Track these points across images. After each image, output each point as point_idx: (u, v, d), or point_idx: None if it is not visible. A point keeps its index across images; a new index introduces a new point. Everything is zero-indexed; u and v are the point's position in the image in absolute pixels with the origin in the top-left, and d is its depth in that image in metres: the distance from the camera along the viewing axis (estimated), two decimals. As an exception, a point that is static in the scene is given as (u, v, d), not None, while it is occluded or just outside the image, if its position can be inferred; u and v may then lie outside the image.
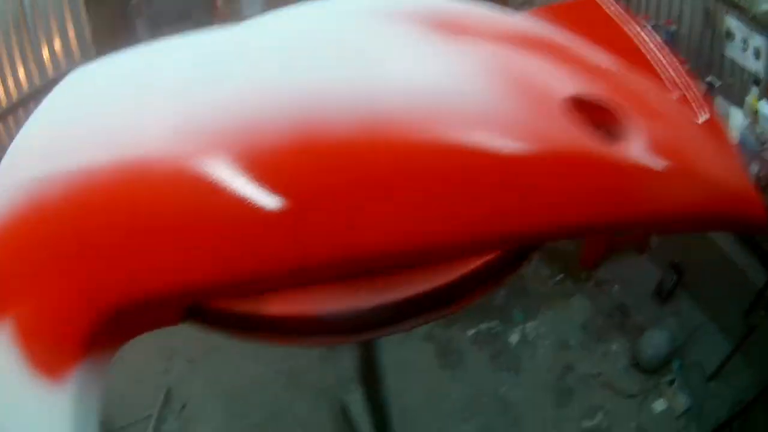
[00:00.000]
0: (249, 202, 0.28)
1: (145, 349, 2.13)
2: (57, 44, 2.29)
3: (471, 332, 1.98)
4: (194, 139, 0.32)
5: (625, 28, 0.47)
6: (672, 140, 0.32)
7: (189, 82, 0.38)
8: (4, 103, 2.28)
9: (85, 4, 2.23)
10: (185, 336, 2.16)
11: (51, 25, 2.27)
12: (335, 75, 0.32)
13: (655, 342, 1.98)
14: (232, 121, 0.32)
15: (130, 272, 0.28)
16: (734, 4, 2.25)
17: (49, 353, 0.27)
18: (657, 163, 0.29)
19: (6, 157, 0.39)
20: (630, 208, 0.30)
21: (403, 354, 1.82)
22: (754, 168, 1.70)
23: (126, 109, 0.38)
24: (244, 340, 0.33)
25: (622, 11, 0.50)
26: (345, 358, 1.91)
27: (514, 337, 1.98)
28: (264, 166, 0.29)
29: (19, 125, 1.92)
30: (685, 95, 0.40)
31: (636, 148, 0.29)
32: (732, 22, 2.08)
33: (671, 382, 1.92)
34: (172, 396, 2.04)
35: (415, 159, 0.29)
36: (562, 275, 2.15)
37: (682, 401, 1.89)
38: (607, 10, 0.50)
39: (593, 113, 0.30)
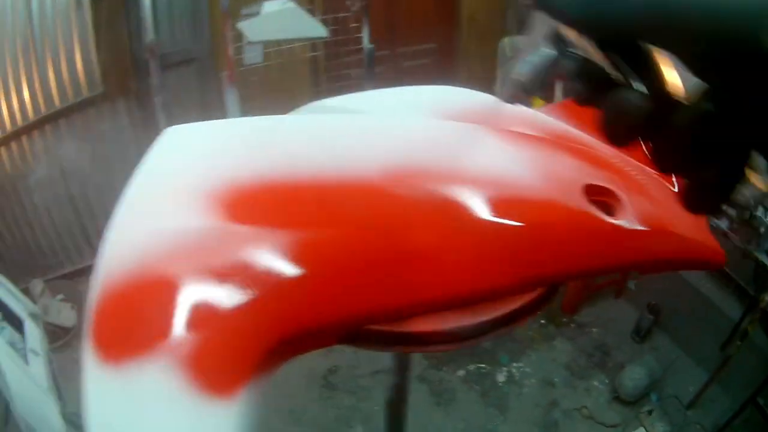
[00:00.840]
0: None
1: None
2: (64, 71, 2.30)
3: (461, 373, 2.15)
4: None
5: None
6: (652, 211, 0.46)
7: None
8: (8, 128, 2.29)
9: (95, 34, 2.26)
10: None
11: (59, 51, 2.28)
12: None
13: (634, 375, 2.14)
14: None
15: (304, 308, 0.35)
16: None
17: (219, 374, 0.32)
18: (641, 227, 0.43)
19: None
20: (622, 257, 0.45)
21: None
22: (723, 223, 1.90)
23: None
24: (380, 351, 0.43)
25: None
26: (345, 399, 2.09)
27: (501, 377, 2.15)
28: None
29: (22, 154, 2.05)
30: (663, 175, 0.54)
31: (628, 218, 0.43)
32: None
33: (650, 412, 2.08)
34: None
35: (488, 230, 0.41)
36: (544, 321, 2.34)
37: (660, 429, 2.04)
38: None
39: (602, 193, 0.45)
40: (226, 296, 0.34)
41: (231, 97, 2.09)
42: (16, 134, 2.37)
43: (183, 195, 0.40)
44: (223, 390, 0.31)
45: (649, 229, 0.44)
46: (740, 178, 0.22)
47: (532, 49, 0.29)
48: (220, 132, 0.50)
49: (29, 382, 1.25)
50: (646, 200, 0.48)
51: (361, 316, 0.37)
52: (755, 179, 0.21)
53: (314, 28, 2.10)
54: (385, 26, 2.63)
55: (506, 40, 2.40)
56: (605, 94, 0.24)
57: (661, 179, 0.53)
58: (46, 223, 2.56)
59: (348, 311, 0.36)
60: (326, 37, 2.10)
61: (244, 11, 2.17)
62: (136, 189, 0.43)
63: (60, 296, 2.53)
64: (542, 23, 0.27)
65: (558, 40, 0.27)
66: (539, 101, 2.42)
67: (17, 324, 1.38)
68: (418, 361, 2.14)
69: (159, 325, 0.33)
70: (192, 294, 0.34)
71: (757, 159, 0.21)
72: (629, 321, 2.37)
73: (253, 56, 2.27)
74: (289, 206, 0.40)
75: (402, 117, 0.56)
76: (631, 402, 2.14)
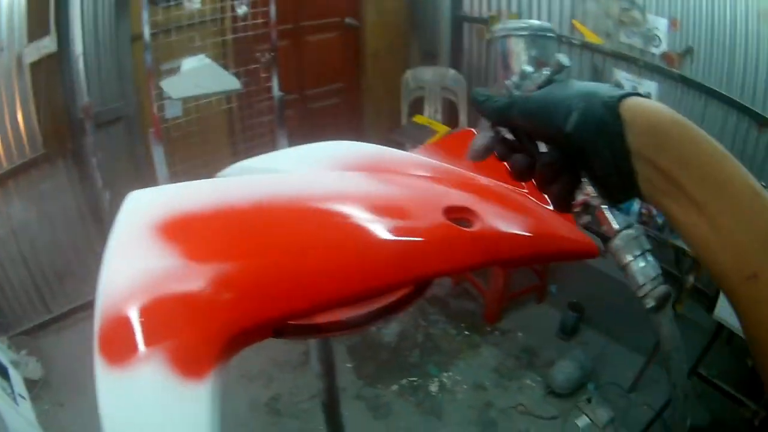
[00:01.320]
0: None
1: None
2: (9, 133, 2.42)
3: (394, 387, 2.31)
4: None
5: None
6: (514, 219, 0.61)
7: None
8: None
9: (35, 97, 2.39)
10: None
11: (3, 114, 2.40)
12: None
13: (564, 369, 2.29)
14: None
15: (244, 312, 0.49)
16: (623, 57, 2.66)
17: (193, 364, 0.43)
18: (501, 231, 0.58)
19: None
20: (484, 256, 0.58)
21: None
22: (636, 206, 2.08)
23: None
24: (299, 340, 0.59)
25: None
26: (289, 423, 2.25)
27: (433, 387, 2.32)
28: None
29: None
30: (533, 190, 0.69)
31: (483, 227, 0.56)
32: (621, 75, 2.45)
33: (589, 401, 2.22)
34: None
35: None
36: (468, 332, 2.51)
37: (604, 415, 2.17)
38: None
39: (460, 211, 0.58)
40: (190, 310, 0.48)
41: (158, 152, 2.25)
42: None
43: (148, 242, 0.54)
44: (197, 375, 0.42)
45: (509, 232, 0.59)
46: (572, 190, 0.43)
47: (482, 132, 0.49)
48: (171, 193, 0.65)
49: (22, 422, 1.39)
50: (510, 212, 0.64)
51: (283, 315, 0.51)
52: (587, 189, 0.42)
53: (229, 82, 2.28)
54: (294, 71, 2.81)
55: (408, 73, 2.59)
56: (510, 156, 0.46)
57: (530, 196, 0.70)
58: (3, 281, 2.70)
59: (273, 313, 0.50)
60: (240, 89, 2.28)
61: (164, 67, 2.34)
62: (114, 240, 0.56)
63: (24, 351, 2.67)
64: (484, 121, 0.48)
65: (494, 128, 0.47)
66: (441, 127, 2.60)
67: (3, 372, 1.52)
68: (352, 381, 2.30)
69: (147, 334, 0.45)
70: (165, 310, 0.47)
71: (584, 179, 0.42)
72: (554, 322, 2.54)
73: (172, 111, 2.44)
74: (227, 241, 0.56)
75: (306, 172, 0.74)
76: (566, 394, 2.30)
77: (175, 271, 0.51)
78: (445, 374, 2.35)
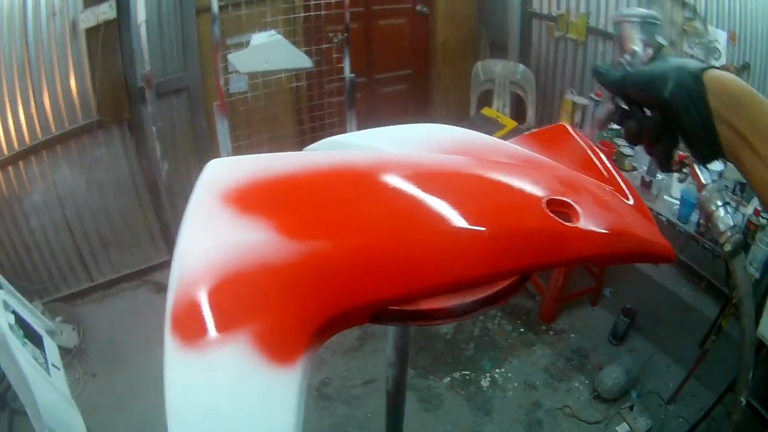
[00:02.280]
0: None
1: (154, 403, 2.44)
2: (60, 98, 2.45)
3: (447, 380, 2.32)
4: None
5: (582, 145, 0.77)
6: (607, 217, 0.60)
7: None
8: (5, 152, 2.43)
9: (90, 63, 2.40)
10: None
11: (55, 78, 2.42)
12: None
13: (612, 374, 2.31)
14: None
15: (343, 294, 0.47)
16: None
17: (283, 348, 0.41)
18: (596, 229, 0.57)
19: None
20: (580, 252, 0.57)
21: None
22: (694, 217, 2.08)
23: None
24: (398, 326, 0.57)
25: (580, 133, 0.80)
26: (339, 408, 2.25)
27: (485, 382, 2.32)
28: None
29: (19, 178, 2.17)
30: (618, 187, 0.70)
31: (581, 223, 0.55)
32: None
33: (631, 408, 2.25)
34: None
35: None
36: (523, 329, 2.52)
37: (643, 424, 2.20)
38: (572, 133, 0.79)
39: (561, 205, 0.58)
40: (283, 289, 0.46)
41: (222, 126, 2.25)
42: (14, 159, 2.51)
43: (232, 214, 0.51)
44: (287, 360, 0.40)
45: (602, 230, 0.59)
46: (671, 150, 0.52)
47: (603, 104, 0.60)
48: (255, 163, 0.62)
49: (54, 393, 1.35)
50: (602, 209, 0.64)
51: (385, 299, 0.49)
52: (682, 149, 0.51)
53: (300, 59, 2.28)
54: (363, 55, 2.82)
55: (479, 65, 2.60)
56: (625, 122, 0.55)
57: (616, 193, 0.69)
58: (43, 247, 2.69)
59: (374, 297, 0.48)
60: (311, 68, 2.28)
61: (230, 41, 2.34)
62: (194, 210, 0.53)
63: (59, 318, 2.66)
64: (605, 96, 0.58)
65: (613, 99, 0.57)
66: (509, 121, 2.61)
67: (37, 341, 1.49)
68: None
69: (233, 313, 0.42)
70: (254, 288, 0.44)
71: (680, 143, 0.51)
72: (606, 326, 2.55)
73: (238, 86, 2.44)
74: (324, 217, 0.54)
75: (402, 152, 0.71)
76: (612, 399, 2.31)
77: (267, 246, 0.48)
78: (498, 370, 2.36)
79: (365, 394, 2.25)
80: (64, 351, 2.54)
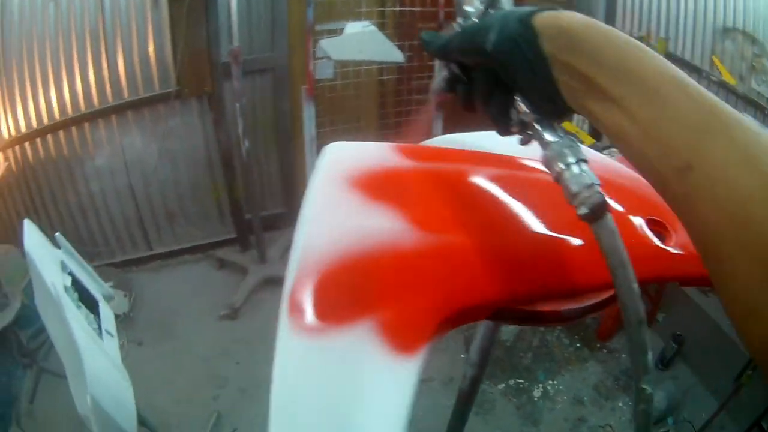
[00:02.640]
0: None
1: (196, 376, 2.38)
2: (136, 64, 2.45)
3: (501, 386, 2.35)
4: None
5: None
6: (688, 241, 0.66)
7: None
8: (70, 112, 2.45)
9: (171, 33, 2.40)
10: (237, 368, 2.47)
11: (131, 44, 2.42)
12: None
13: (655, 398, 2.38)
14: None
15: (471, 289, 0.48)
16: (752, 102, 2.72)
17: (408, 337, 0.41)
18: (681, 252, 0.57)
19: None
20: (668, 273, 0.59)
21: (444, 401, 2.21)
22: None
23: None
24: (514, 325, 0.58)
25: None
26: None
27: (536, 392, 2.36)
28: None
29: (82, 140, 2.18)
30: None
31: (673, 245, 0.57)
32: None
33: None
34: (222, 420, 2.24)
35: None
36: (579, 344, 2.56)
37: None
38: None
39: (658, 225, 0.60)
40: (414, 279, 0.46)
41: (309, 110, 2.27)
42: (78, 120, 2.52)
43: (360, 199, 0.52)
44: (410, 350, 0.41)
45: (686, 253, 0.60)
46: (507, 109, 0.44)
47: (439, 72, 0.50)
48: (377, 150, 0.64)
49: (104, 360, 1.29)
50: (683, 233, 0.67)
51: (504, 298, 0.50)
52: (519, 106, 0.43)
53: (393, 53, 2.30)
54: None
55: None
56: (455, 87, 0.49)
57: None
58: (102, 212, 2.70)
59: (495, 295, 0.49)
60: (402, 62, 2.30)
61: (319, 27, 2.36)
62: (318, 192, 0.55)
63: (110, 283, 2.67)
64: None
65: (446, 67, 0.49)
66: (588, 138, 2.65)
67: (92, 305, 1.43)
68: (461, 374, 2.33)
69: (359, 298, 0.43)
70: (384, 275, 0.45)
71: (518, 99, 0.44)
72: (655, 350, 2.59)
73: (324, 72, 2.45)
74: (452, 212, 0.55)
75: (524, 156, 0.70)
76: None
77: (399, 234, 0.49)
78: (550, 382, 2.39)
79: (420, 392, 2.28)
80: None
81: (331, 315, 0.42)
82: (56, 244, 1.43)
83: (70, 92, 2.48)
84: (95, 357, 1.20)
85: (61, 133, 2.56)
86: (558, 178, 0.40)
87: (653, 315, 2.62)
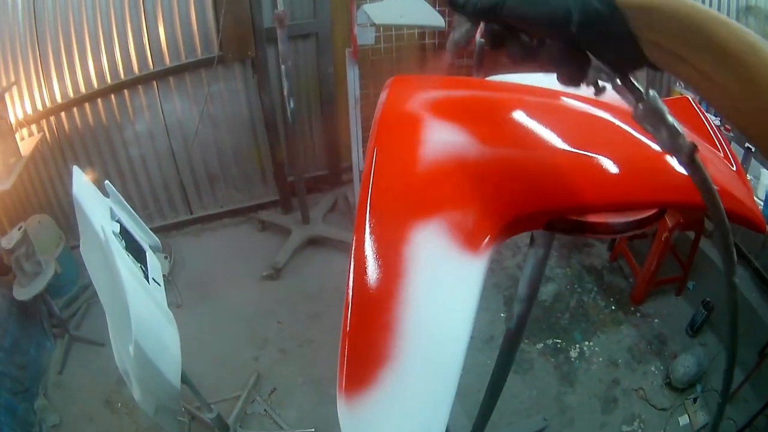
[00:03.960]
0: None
1: (237, 338, 2.45)
2: (177, 30, 2.50)
3: (540, 346, 2.42)
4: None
5: (701, 116, 0.87)
6: (717, 176, 0.66)
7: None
8: (110, 80, 2.50)
9: (214, 2, 2.44)
10: (278, 328, 2.53)
11: (172, 10, 2.45)
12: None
13: (685, 363, 2.42)
14: None
15: (531, 197, 0.54)
16: None
17: (474, 236, 0.48)
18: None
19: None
20: (697, 199, 0.58)
21: (483, 359, 2.28)
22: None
23: None
24: (565, 234, 0.62)
25: (700, 107, 0.90)
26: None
27: (574, 353, 2.43)
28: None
29: (122, 106, 2.24)
30: (726, 156, 0.78)
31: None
32: None
33: (695, 400, 2.37)
34: (262, 380, 2.30)
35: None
36: (614, 307, 2.64)
37: (701, 419, 2.33)
38: (694, 106, 0.90)
39: None
40: (483, 185, 0.53)
41: (353, 72, 2.34)
42: (117, 87, 2.58)
43: (431, 118, 0.60)
44: (475, 248, 0.47)
45: (721, 186, 0.66)
46: (584, 69, 0.44)
47: (460, 25, 0.50)
48: (441, 81, 0.72)
49: (151, 305, 1.27)
50: (712, 166, 0.72)
51: (561, 208, 0.57)
52: (600, 67, 0.44)
53: (434, 18, 2.37)
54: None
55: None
56: (504, 46, 0.48)
57: (724, 159, 0.78)
58: (141, 176, 2.76)
59: (549, 204, 0.56)
60: (443, 27, 2.37)
61: (361, -7, 2.42)
62: (391, 109, 0.63)
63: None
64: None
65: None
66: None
67: (140, 255, 1.44)
68: (502, 331, 2.39)
69: (435, 197, 0.49)
70: (459, 179, 0.52)
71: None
72: (686, 316, 2.67)
73: (365, 38, 2.52)
74: (514, 130, 0.62)
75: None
76: (680, 389, 2.42)
77: (467, 146, 0.56)
78: (587, 343, 2.47)
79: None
80: (152, 279, 2.61)
81: (406, 214, 0.49)
82: (105, 192, 1.43)
83: (108, 61, 2.53)
84: (141, 301, 1.20)
85: (100, 101, 2.62)
86: (654, 131, 0.43)
87: (684, 282, 2.69)
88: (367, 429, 0.43)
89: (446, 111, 0.62)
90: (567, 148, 0.62)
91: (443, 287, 0.46)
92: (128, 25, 2.49)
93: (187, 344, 2.35)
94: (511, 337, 1.38)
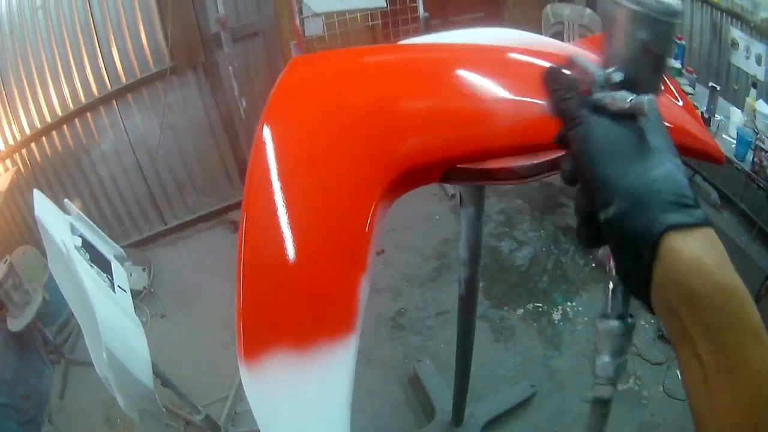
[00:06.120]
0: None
1: (222, 341, 2.36)
2: (129, 49, 2.61)
3: (520, 311, 2.45)
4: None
5: None
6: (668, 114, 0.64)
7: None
8: (72, 106, 2.59)
9: (159, 12, 2.55)
10: None
11: (122, 31, 2.57)
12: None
13: None
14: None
15: (411, 151, 0.57)
16: (738, 16, 2.80)
17: (360, 203, 0.52)
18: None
19: None
20: None
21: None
22: (750, 156, 2.17)
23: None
24: (465, 184, 0.66)
25: None
26: (412, 338, 2.38)
27: (556, 315, 2.45)
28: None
29: (87, 129, 2.33)
30: (669, 90, 0.78)
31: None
32: (736, 33, 2.58)
33: None
34: None
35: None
36: (594, 264, 2.64)
37: None
38: None
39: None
40: (406, 141, 0.58)
41: (300, 64, 2.40)
42: (81, 111, 2.68)
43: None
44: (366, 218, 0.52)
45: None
46: (597, 244, 0.43)
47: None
48: (340, 57, 0.77)
49: (117, 311, 1.33)
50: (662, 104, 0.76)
51: (454, 157, 0.57)
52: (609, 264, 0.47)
53: (374, 0, 2.43)
54: None
55: (548, 8, 2.74)
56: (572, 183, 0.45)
57: (667, 94, 0.77)
58: (113, 194, 2.86)
59: (441, 154, 0.57)
60: (385, 7, 2.42)
61: (304, -16, 2.49)
62: (280, 89, 0.68)
63: (129, 262, 2.82)
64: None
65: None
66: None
67: (104, 265, 1.52)
68: (479, 301, 2.42)
69: (312, 174, 0.55)
70: (348, 146, 0.57)
71: None
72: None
73: (313, 28, 2.59)
74: (400, 88, 0.65)
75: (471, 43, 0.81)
76: None
77: (350, 113, 0.59)
78: (569, 304, 2.49)
79: (438, 325, 2.39)
80: (133, 294, 2.66)
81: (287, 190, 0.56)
82: (66, 210, 1.54)
83: (69, 88, 2.65)
84: (107, 308, 1.27)
85: (65, 127, 2.73)
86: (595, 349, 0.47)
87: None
88: (269, 394, 0.47)
89: (336, 83, 0.65)
90: (462, 91, 0.63)
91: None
92: (83, 50, 2.60)
93: (174, 351, 2.46)
94: (465, 303, 1.42)
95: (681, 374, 0.38)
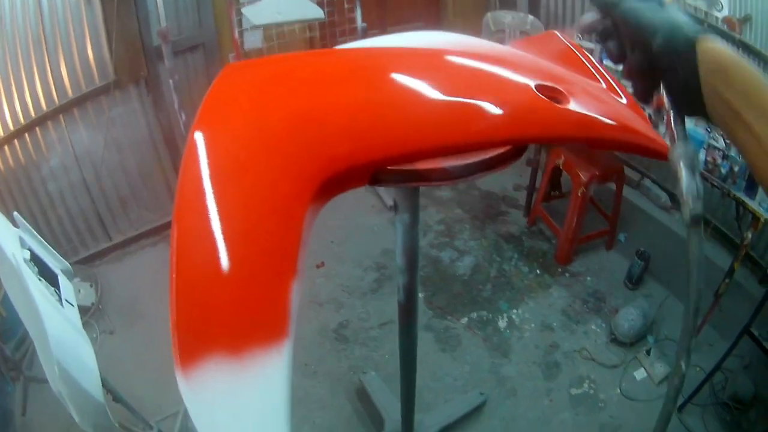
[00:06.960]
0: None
1: (170, 357, 2.54)
2: (76, 63, 2.61)
3: (464, 320, 2.45)
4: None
5: (574, 50, 0.86)
6: (594, 103, 0.68)
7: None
8: (22, 121, 2.58)
9: (105, 27, 2.57)
10: None
11: (70, 45, 2.58)
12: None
13: (629, 317, 2.42)
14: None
15: (342, 153, 0.56)
16: (691, 16, 2.80)
17: (291, 208, 0.51)
18: (584, 112, 0.65)
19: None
20: (569, 131, 0.65)
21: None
22: (702, 155, 2.18)
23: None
24: (396, 186, 0.65)
25: (570, 40, 0.90)
26: (357, 349, 2.38)
27: (502, 323, 2.46)
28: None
29: (36, 144, 2.35)
30: (611, 87, 0.78)
31: (570, 106, 0.63)
32: None
33: (648, 352, 2.37)
34: None
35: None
36: (539, 271, 2.65)
37: (660, 370, 2.32)
38: (564, 40, 0.89)
39: (551, 91, 0.65)
40: (330, 145, 0.56)
41: (238, 76, 2.41)
42: (31, 126, 2.69)
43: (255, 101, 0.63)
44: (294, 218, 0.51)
45: (592, 114, 0.67)
46: (652, 90, 0.54)
47: (591, 12, 0.58)
48: (272, 63, 0.77)
49: (65, 325, 1.36)
50: (591, 98, 0.72)
51: (380, 159, 0.56)
52: (662, 98, 0.53)
53: (312, 11, 2.45)
54: (375, 7, 2.99)
55: (489, 15, 2.76)
56: (607, 39, 0.57)
57: (609, 91, 0.78)
58: (61, 210, 2.86)
59: (370, 156, 0.56)
60: (323, 18, 2.44)
61: (242, -2, 2.51)
62: (215, 97, 0.67)
63: (76, 279, 2.81)
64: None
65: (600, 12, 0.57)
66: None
67: (52, 279, 1.52)
68: (422, 311, 2.43)
69: (241, 182, 0.54)
70: (274, 153, 0.56)
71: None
72: (621, 270, 2.67)
73: (252, 41, 2.60)
74: (325, 93, 0.64)
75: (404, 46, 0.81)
76: (629, 344, 2.42)
77: (278, 118, 0.59)
78: (515, 311, 2.49)
79: (382, 336, 2.39)
80: (82, 310, 2.68)
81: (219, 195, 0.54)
82: (15, 223, 1.54)
83: (20, 102, 2.64)
84: (57, 322, 1.30)
85: (16, 142, 2.73)
86: (675, 176, 0.53)
87: (612, 235, 2.70)
88: (205, 400, 0.47)
89: (265, 89, 0.65)
90: (391, 92, 0.63)
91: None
92: (33, 64, 2.60)
93: (124, 367, 2.45)
94: (405, 310, 1.41)
95: (743, 156, 0.48)
